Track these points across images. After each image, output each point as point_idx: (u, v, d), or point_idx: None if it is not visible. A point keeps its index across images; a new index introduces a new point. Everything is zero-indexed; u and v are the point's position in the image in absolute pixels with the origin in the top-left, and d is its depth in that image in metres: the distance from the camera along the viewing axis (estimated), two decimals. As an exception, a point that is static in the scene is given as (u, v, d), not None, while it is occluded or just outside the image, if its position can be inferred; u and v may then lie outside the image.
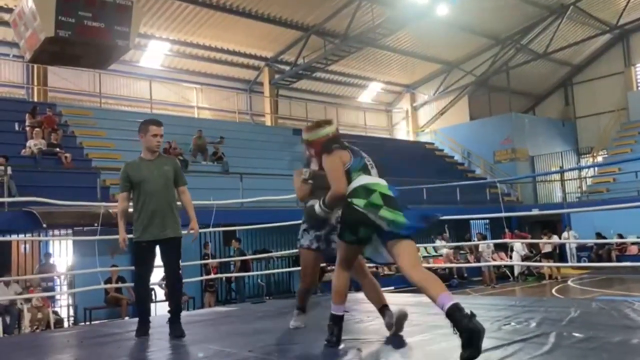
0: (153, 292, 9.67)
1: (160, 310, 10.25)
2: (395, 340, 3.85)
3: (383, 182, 3.51)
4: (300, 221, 4.47)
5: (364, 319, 4.73)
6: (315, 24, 19.92)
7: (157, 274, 5.19)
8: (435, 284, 3.16)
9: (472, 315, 2.92)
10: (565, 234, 17.64)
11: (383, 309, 4.04)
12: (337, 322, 3.62)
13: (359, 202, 3.34)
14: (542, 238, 16.84)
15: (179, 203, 4.73)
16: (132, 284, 5.27)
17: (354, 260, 3.68)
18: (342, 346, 3.61)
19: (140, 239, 4.45)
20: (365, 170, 3.54)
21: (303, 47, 20.38)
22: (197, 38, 19.56)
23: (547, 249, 16.84)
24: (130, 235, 4.61)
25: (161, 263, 4.62)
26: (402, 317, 3.98)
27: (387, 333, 4.00)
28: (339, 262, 3.60)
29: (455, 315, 2.94)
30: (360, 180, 3.46)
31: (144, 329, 4.51)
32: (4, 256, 11.27)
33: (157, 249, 4.54)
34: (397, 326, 3.94)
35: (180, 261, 4.65)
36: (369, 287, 4.11)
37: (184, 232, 4.68)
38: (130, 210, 4.63)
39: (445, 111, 27.00)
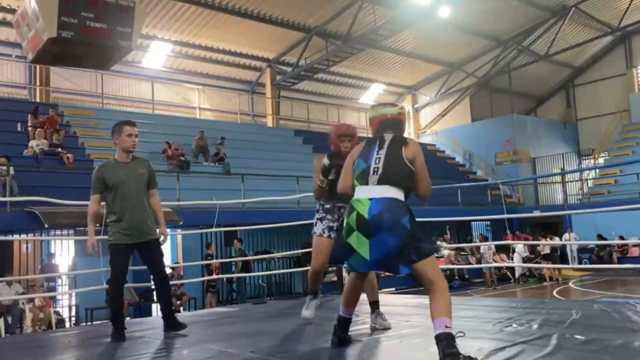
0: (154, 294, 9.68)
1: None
2: (397, 342, 3.85)
3: (370, 194, 3.22)
4: (300, 222, 4.49)
5: (366, 320, 4.73)
6: (317, 25, 19.93)
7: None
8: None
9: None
10: (566, 236, 17.64)
11: (373, 304, 4.25)
12: (340, 323, 3.62)
13: (349, 221, 3.25)
14: (540, 240, 16.82)
15: None
16: (134, 284, 5.28)
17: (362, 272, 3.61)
18: (344, 347, 3.61)
19: (119, 241, 4.39)
20: (363, 179, 3.30)
21: (305, 48, 20.40)
22: (199, 39, 19.58)
23: (546, 250, 16.82)
24: (102, 237, 4.59)
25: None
26: (385, 330, 4.17)
27: (389, 334, 4.01)
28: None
29: None
30: (355, 193, 3.31)
31: (121, 333, 4.43)
32: (5, 256, 11.28)
33: (135, 251, 4.53)
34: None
35: (163, 260, 4.67)
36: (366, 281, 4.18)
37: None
38: (102, 212, 4.56)
39: (447, 112, 27.01)
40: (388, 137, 3.40)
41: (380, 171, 3.26)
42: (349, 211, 3.27)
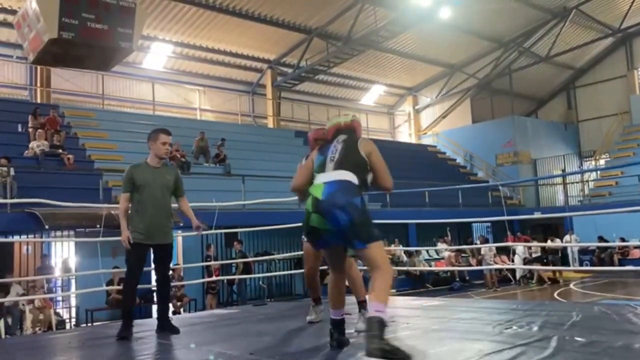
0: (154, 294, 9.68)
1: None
2: (397, 343, 3.83)
3: (325, 178, 3.39)
4: (301, 223, 4.49)
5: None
6: (318, 26, 19.94)
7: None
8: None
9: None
10: (567, 237, 17.62)
11: (361, 304, 4.25)
12: (334, 325, 3.61)
13: (307, 207, 3.36)
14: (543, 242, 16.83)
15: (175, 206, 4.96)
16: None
17: (337, 262, 3.58)
18: (343, 349, 3.60)
19: (138, 240, 4.58)
20: (321, 169, 3.49)
21: (306, 50, 20.41)
22: (199, 40, 19.59)
23: (538, 252, 16.82)
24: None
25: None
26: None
27: (388, 336, 3.99)
28: (328, 266, 3.67)
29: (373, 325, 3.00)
30: (315, 181, 3.47)
31: (129, 330, 4.55)
32: (6, 257, 11.27)
33: (150, 251, 4.75)
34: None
35: (170, 265, 4.92)
36: (349, 280, 4.20)
37: (194, 232, 5.01)
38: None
39: (448, 114, 27.01)
40: (342, 137, 3.64)
41: (336, 158, 3.47)
42: (310, 198, 3.37)
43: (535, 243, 16.32)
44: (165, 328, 4.66)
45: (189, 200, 5.03)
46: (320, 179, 3.42)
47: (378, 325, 2.99)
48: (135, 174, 4.65)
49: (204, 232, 7.91)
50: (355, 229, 3.21)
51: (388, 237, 17.03)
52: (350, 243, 3.30)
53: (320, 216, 3.26)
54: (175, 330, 4.63)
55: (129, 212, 4.67)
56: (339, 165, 3.42)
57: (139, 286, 4.83)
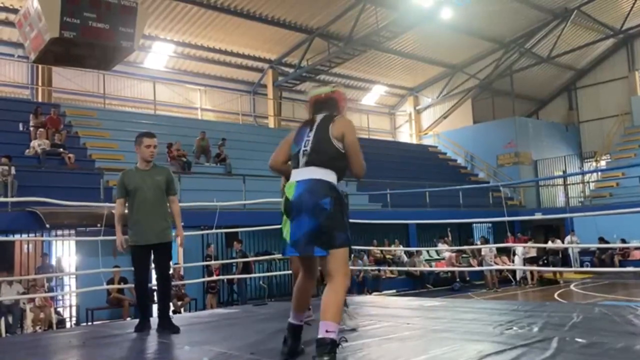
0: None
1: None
2: (395, 345, 3.84)
3: (298, 177, 3.19)
4: None
5: (366, 322, 4.72)
6: (319, 26, 19.94)
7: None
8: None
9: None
10: (569, 238, 17.61)
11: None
12: (292, 331, 3.33)
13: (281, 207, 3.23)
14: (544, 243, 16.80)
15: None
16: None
17: (308, 265, 3.32)
18: (342, 350, 3.60)
19: (135, 243, 4.80)
20: (295, 162, 3.28)
21: (307, 50, 20.41)
22: (201, 40, 19.59)
23: (532, 253, 16.81)
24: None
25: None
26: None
27: (390, 336, 4.00)
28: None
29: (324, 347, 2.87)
30: (290, 177, 3.27)
31: (144, 325, 4.84)
32: (6, 256, 11.28)
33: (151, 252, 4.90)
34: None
35: (170, 263, 5.07)
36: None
37: (178, 240, 5.11)
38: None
39: (449, 114, 27.00)
40: (319, 117, 3.34)
41: (308, 152, 3.22)
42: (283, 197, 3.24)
43: (530, 244, 16.27)
44: (166, 327, 4.74)
45: (190, 200, 5.09)
46: (294, 176, 3.22)
47: (330, 348, 2.86)
48: (126, 179, 4.87)
49: (204, 232, 7.90)
50: (317, 235, 3.02)
51: (388, 236, 17.07)
52: (309, 249, 3.06)
53: (288, 221, 3.11)
54: (176, 330, 4.69)
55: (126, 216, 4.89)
56: (311, 162, 3.18)
57: None
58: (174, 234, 5.00)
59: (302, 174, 3.18)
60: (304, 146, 3.25)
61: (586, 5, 21.57)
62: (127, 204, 4.90)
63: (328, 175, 3.15)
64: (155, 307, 5.05)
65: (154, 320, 4.95)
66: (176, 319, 5.12)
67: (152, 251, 4.85)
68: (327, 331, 2.89)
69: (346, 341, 3.22)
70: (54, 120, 14.80)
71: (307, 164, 3.20)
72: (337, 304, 2.98)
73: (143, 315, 4.94)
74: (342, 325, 4.14)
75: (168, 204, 4.99)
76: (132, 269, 4.94)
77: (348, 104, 3.62)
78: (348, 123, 3.29)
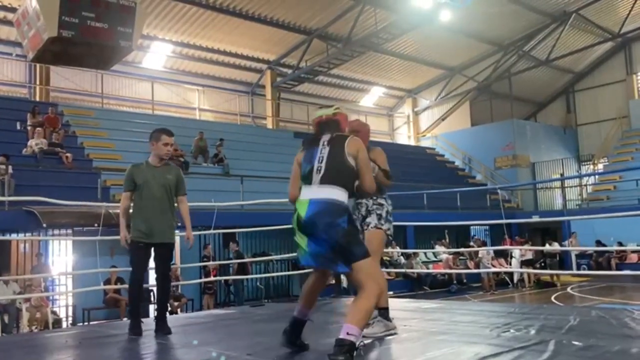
0: (151, 294, 9.66)
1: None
2: (392, 347, 3.84)
3: (311, 194, 3.27)
4: None
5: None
6: (318, 27, 19.95)
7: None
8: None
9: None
10: (570, 240, 17.61)
11: (380, 310, 4.11)
12: (295, 325, 3.48)
13: (292, 222, 3.30)
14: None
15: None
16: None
17: (321, 270, 3.47)
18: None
19: (137, 239, 4.62)
20: (307, 180, 3.35)
21: (305, 51, 20.41)
22: (199, 40, 19.59)
23: (528, 255, 16.82)
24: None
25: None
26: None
27: (387, 338, 4.00)
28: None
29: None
30: (300, 194, 3.34)
31: (137, 328, 4.63)
32: (3, 255, 11.25)
33: (152, 250, 4.74)
34: None
35: (170, 264, 4.90)
36: None
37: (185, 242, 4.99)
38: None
39: (447, 116, 27.02)
40: (326, 137, 3.43)
41: (322, 170, 3.30)
42: (295, 212, 3.31)
43: (526, 246, 16.29)
44: (158, 328, 4.64)
45: (188, 200, 5.01)
46: (306, 194, 3.29)
47: (347, 349, 2.90)
48: (136, 174, 4.70)
49: (201, 232, 7.89)
50: (337, 252, 3.12)
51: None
52: (332, 266, 3.22)
53: (304, 236, 3.20)
54: (167, 331, 4.58)
55: (131, 211, 4.72)
56: (326, 178, 3.26)
57: None
58: (178, 234, 4.93)
59: (316, 192, 3.26)
60: (318, 162, 3.34)
61: (585, 8, 21.62)
62: (132, 199, 4.73)
63: (342, 195, 3.25)
64: (150, 308, 5.02)
65: (148, 321, 4.92)
66: (173, 320, 5.12)
67: (152, 250, 4.70)
68: (348, 333, 2.94)
69: (364, 346, 3.27)
70: (51, 119, 14.78)
71: (322, 180, 3.28)
72: (366, 309, 3.07)
73: (136, 316, 4.73)
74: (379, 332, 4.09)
75: (175, 204, 4.85)
76: (129, 266, 4.75)
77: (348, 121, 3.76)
78: (361, 143, 3.43)
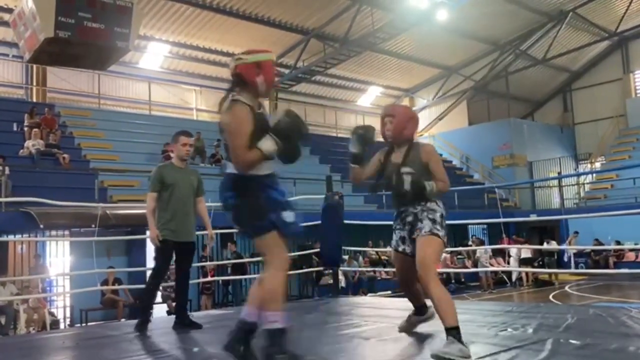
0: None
1: (159, 311, 10.22)
2: (390, 346, 3.84)
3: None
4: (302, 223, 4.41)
5: (362, 323, 4.72)
6: (315, 27, 19.94)
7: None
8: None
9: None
10: (571, 239, 17.63)
11: (448, 330, 3.42)
12: (247, 330, 3.25)
13: None
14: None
15: None
16: (129, 286, 5.59)
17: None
18: (337, 350, 3.59)
19: (167, 237, 4.81)
20: None
21: (303, 51, 20.40)
22: (196, 40, 19.56)
23: (527, 254, 16.86)
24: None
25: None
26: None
27: (384, 337, 3.99)
28: None
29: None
30: None
31: (146, 324, 4.81)
32: (0, 257, 11.23)
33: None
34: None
35: (191, 262, 5.19)
36: (433, 300, 3.62)
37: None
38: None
39: (444, 116, 27.03)
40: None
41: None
42: None
43: (524, 245, 16.31)
44: (186, 324, 4.81)
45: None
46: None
47: (279, 334, 2.87)
48: (165, 174, 4.91)
49: (199, 233, 7.90)
50: (239, 226, 3.14)
51: (384, 237, 17.04)
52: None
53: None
54: (198, 326, 4.77)
55: (158, 211, 4.89)
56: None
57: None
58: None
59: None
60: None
61: (581, 7, 21.64)
62: (159, 200, 4.88)
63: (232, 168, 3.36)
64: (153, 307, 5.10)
65: (151, 320, 4.97)
66: (171, 320, 5.11)
67: (178, 248, 4.90)
68: (271, 321, 2.92)
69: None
70: (48, 120, 14.75)
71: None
72: (274, 289, 3.03)
73: (146, 314, 4.94)
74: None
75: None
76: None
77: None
78: (231, 113, 3.27)
